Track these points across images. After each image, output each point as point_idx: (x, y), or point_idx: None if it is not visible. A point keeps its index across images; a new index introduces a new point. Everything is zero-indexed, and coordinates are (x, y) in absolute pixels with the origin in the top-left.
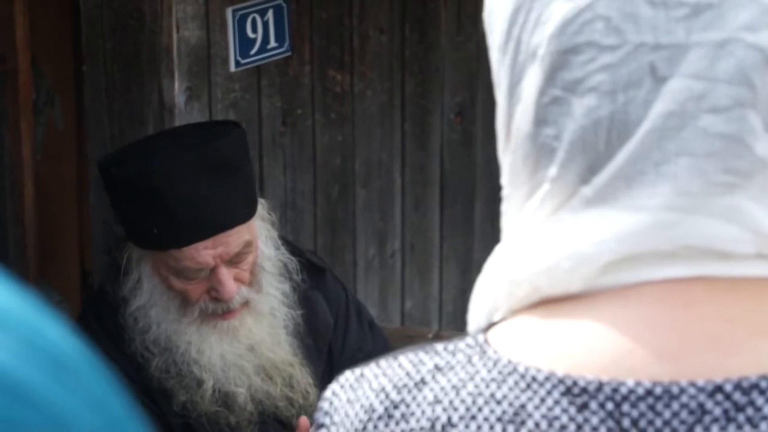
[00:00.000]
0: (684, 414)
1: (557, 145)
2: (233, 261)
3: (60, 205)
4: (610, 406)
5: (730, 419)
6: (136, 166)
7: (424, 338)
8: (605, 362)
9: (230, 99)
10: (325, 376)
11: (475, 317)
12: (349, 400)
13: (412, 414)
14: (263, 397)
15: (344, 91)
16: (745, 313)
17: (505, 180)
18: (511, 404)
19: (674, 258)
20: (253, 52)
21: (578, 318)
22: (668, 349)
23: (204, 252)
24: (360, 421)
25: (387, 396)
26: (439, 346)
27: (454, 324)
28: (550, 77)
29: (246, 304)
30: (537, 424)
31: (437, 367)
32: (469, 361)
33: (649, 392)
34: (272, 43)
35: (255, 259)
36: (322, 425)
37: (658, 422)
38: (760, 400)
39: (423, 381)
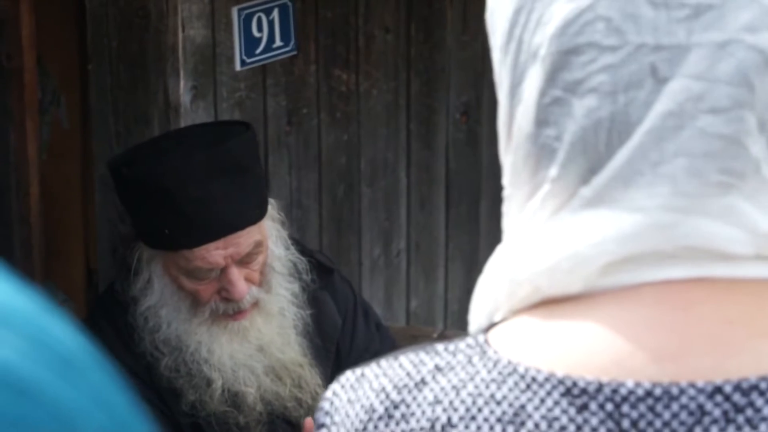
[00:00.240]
0: (683, 415)
1: (558, 146)
2: (244, 261)
3: (65, 204)
4: (609, 407)
5: (729, 420)
6: (147, 166)
7: (429, 338)
8: (605, 363)
9: (235, 98)
10: (333, 376)
11: (476, 317)
12: (349, 400)
13: (413, 414)
14: (272, 397)
15: (350, 90)
16: (745, 314)
17: (506, 180)
18: (510, 405)
19: (674, 259)
20: (258, 51)
21: (578, 319)
22: (668, 350)
23: (215, 252)
24: (360, 421)
25: (387, 396)
26: (440, 347)
27: (459, 323)
28: (551, 78)
29: (256, 304)
30: (537, 425)
31: (437, 368)
32: (470, 361)
33: (648, 393)
34: (278, 43)
35: (265, 259)
36: (322, 425)
37: (658, 423)
38: (759, 402)
39: (423, 381)
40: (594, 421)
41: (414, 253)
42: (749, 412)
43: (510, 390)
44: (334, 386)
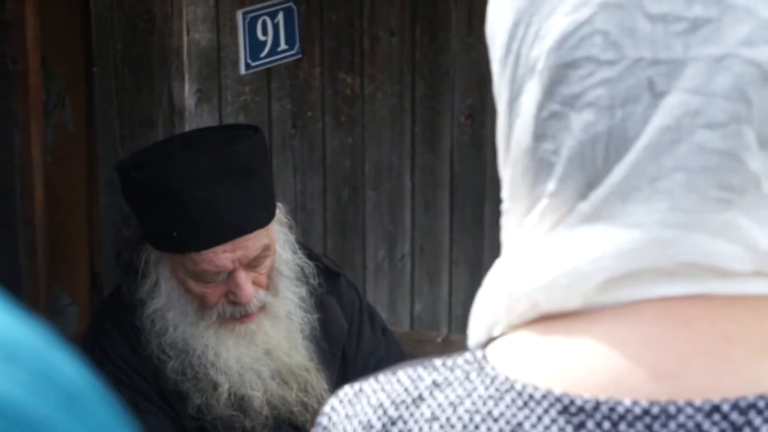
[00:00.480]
0: None
1: (555, 160)
2: (251, 265)
3: (69, 207)
4: (606, 425)
5: None
6: (155, 169)
7: (433, 342)
8: (603, 381)
9: (240, 101)
10: (339, 381)
11: (474, 331)
12: (347, 416)
13: (410, 431)
14: (278, 401)
15: (354, 93)
16: (744, 332)
17: (505, 194)
18: (508, 422)
19: (673, 275)
20: (263, 54)
21: (577, 335)
22: (667, 368)
23: (223, 255)
24: None
25: (385, 412)
26: (438, 362)
27: (463, 326)
28: (549, 92)
29: (263, 307)
30: None
31: (435, 383)
32: (467, 377)
33: (646, 412)
34: (282, 46)
35: (273, 263)
36: None
37: None
38: (757, 420)
39: (421, 397)
40: None
41: (418, 257)
42: (747, 431)
43: (507, 407)
44: (332, 401)
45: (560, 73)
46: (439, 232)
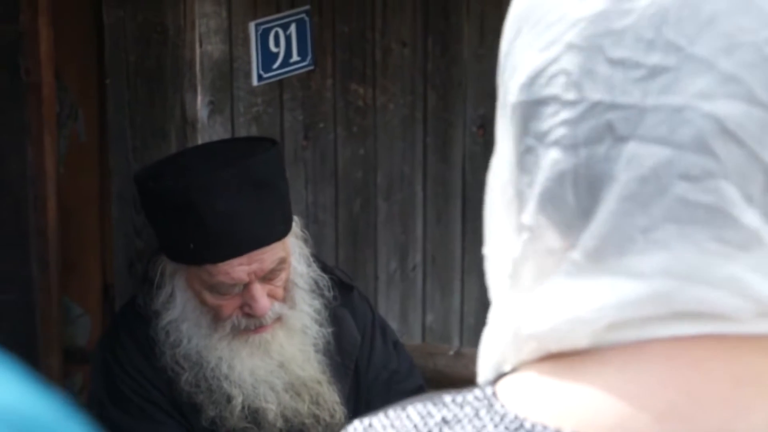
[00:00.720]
0: None
1: (530, 194)
2: (267, 277)
3: (82, 218)
4: None
5: None
6: (174, 181)
7: (445, 355)
8: (611, 422)
9: (252, 113)
10: (351, 394)
11: (483, 369)
12: None
13: None
14: (291, 414)
15: (366, 104)
16: (754, 373)
17: (488, 238)
18: None
19: (681, 317)
20: (275, 66)
21: (585, 375)
22: (675, 410)
23: (239, 268)
24: None
25: None
26: (448, 398)
27: (475, 337)
28: (524, 126)
29: (279, 319)
30: None
31: (444, 420)
32: (477, 414)
33: None
34: (295, 57)
35: (288, 275)
36: None
37: None
38: None
39: None
40: None
41: (430, 267)
42: None
43: None
44: None
45: (532, 109)
46: (451, 242)
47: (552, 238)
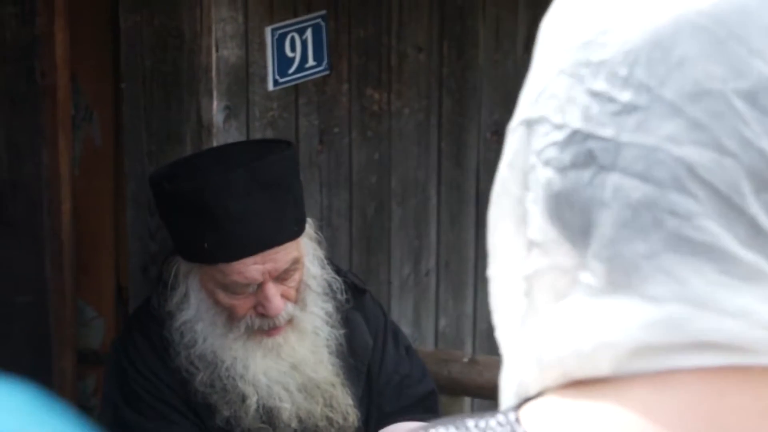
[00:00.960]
0: None
1: (536, 211)
2: (281, 278)
3: (95, 220)
4: None
5: None
6: (189, 181)
7: (459, 362)
8: None
9: (268, 118)
10: (364, 396)
11: (506, 393)
12: None
13: None
14: (305, 415)
15: (381, 109)
16: None
17: (492, 256)
18: None
19: (702, 348)
20: (291, 71)
21: (609, 403)
22: None
23: (252, 267)
24: None
25: None
26: (471, 422)
27: (488, 342)
28: (527, 143)
29: (291, 321)
30: None
31: None
32: None
33: None
34: (310, 62)
35: (301, 276)
36: None
37: None
38: None
39: None
40: None
41: (443, 272)
42: None
43: None
44: None
45: (531, 127)
46: (465, 247)
47: (562, 256)
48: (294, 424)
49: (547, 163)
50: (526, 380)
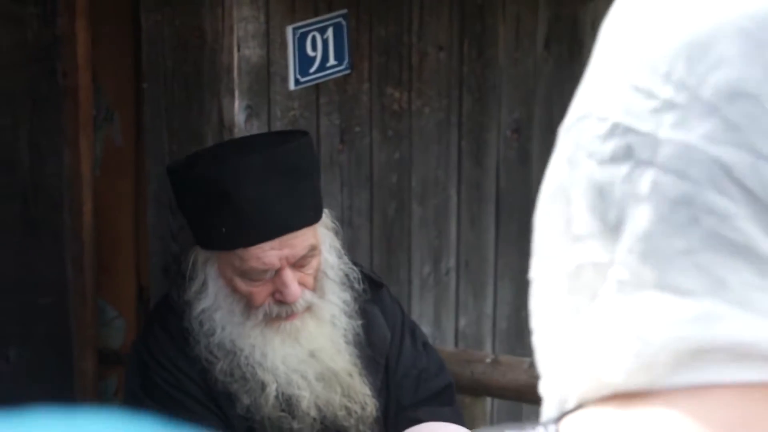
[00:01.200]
0: None
1: (579, 204)
2: (298, 264)
3: (116, 220)
4: None
5: None
6: (206, 167)
7: (482, 362)
8: None
9: (289, 117)
10: (383, 388)
11: (547, 405)
12: None
13: None
14: (324, 404)
15: (402, 108)
16: None
17: (538, 256)
18: None
19: (741, 360)
20: (312, 70)
21: (652, 417)
22: None
23: (270, 252)
24: None
25: None
26: None
27: (507, 342)
28: (579, 137)
29: (309, 308)
30: None
31: None
32: None
33: None
34: (331, 61)
35: (319, 264)
36: None
37: None
38: None
39: None
40: None
41: (463, 271)
42: None
43: None
44: None
45: (578, 123)
46: (485, 246)
47: (598, 251)
48: (313, 412)
49: (589, 155)
50: (566, 390)
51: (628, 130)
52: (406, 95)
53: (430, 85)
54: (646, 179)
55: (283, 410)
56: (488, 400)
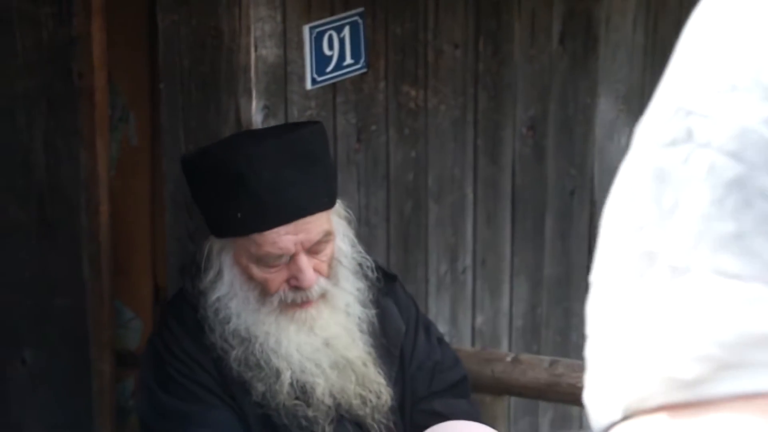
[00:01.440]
0: None
1: (644, 190)
2: (312, 250)
3: (132, 221)
4: None
5: None
6: (220, 153)
7: (502, 361)
8: None
9: (306, 116)
10: (398, 378)
11: (595, 416)
12: None
13: None
14: (338, 392)
15: (418, 106)
16: None
17: (601, 258)
18: None
19: None
20: (329, 69)
21: (700, 427)
22: None
23: (285, 237)
24: None
25: None
26: None
27: (523, 340)
28: (645, 130)
29: (323, 296)
30: None
31: None
32: None
33: None
34: (348, 60)
35: (333, 251)
36: None
37: None
38: None
39: None
40: None
41: (480, 269)
42: None
43: None
44: None
45: (650, 114)
46: (501, 244)
47: (649, 239)
48: (327, 400)
49: (654, 141)
50: (612, 400)
51: (690, 113)
52: (422, 93)
53: (445, 83)
54: (703, 161)
55: (297, 398)
56: (509, 399)
